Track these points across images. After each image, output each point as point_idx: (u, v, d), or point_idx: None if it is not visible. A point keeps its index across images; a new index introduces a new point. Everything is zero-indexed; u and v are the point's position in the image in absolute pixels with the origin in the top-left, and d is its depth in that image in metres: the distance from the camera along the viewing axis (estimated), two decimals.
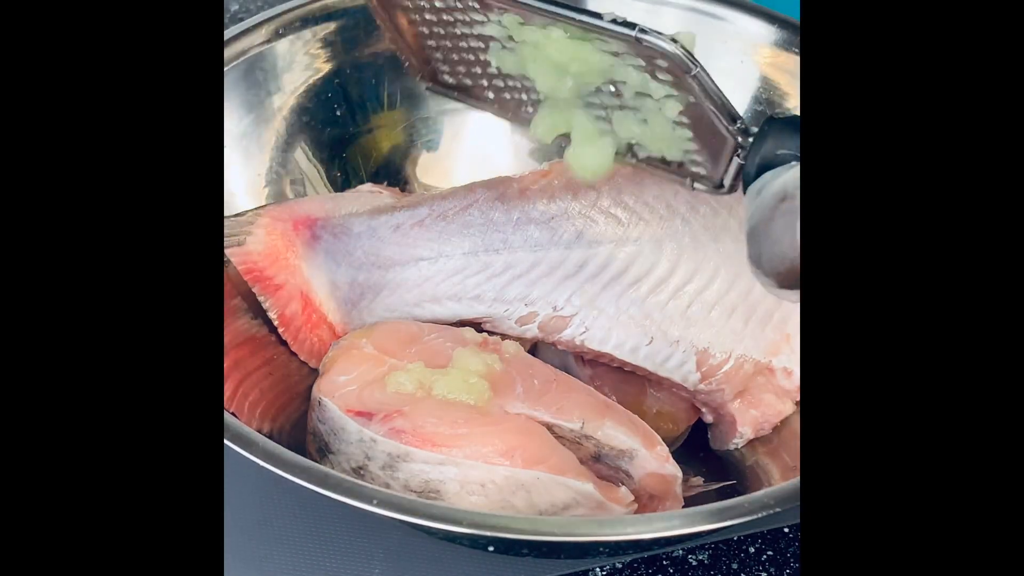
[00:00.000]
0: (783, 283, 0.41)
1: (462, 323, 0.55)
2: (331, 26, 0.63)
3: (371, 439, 0.46)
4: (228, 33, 0.59)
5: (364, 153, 0.65)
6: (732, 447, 0.56)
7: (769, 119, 0.44)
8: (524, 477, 0.45)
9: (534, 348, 0.56)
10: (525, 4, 0.45)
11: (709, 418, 0.56)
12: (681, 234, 0.54)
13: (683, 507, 0.50)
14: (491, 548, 0.49)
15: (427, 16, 0.50)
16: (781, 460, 0.54)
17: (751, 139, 0.44)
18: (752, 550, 0.53)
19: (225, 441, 0.42)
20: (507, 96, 0.52)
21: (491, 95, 0.52)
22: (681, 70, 0.43)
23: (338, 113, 0.64)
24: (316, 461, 0.47)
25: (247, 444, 0.42)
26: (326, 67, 0.63)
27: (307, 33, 0.62)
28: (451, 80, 0.53)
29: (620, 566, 0.52)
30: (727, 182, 0.46)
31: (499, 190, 0.56)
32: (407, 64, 0.53)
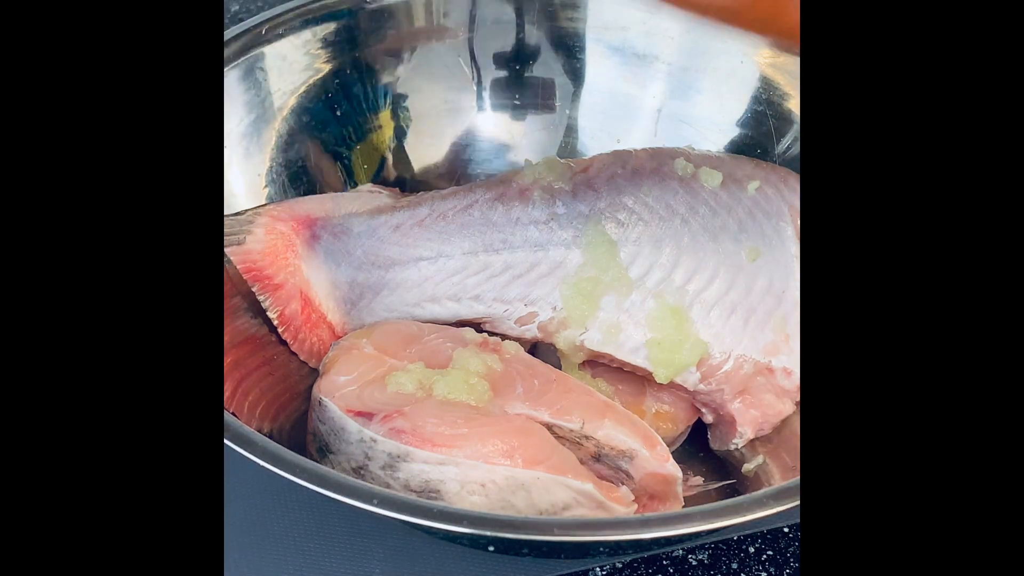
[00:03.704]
0: None
1: (462, 323, 0.55)
2: (331, 26, 0.63)
3: (371, 439, 0.46)
4: (228, 33, 0.59)
5: (364, 153, 0.65)
6: (732, 447, 0.55)
7: None
8: (524, 477, 0.45)
9: (534, 348, 0.56)
10: None
11: (709, 418, 0.56)
12: (680, 234, 0.54)
13: (683, 507, 0.50)
14: (491, 548, 0.49)
15: None
16: (781, 460, 0.54)
17: None
18: (752, 550, 0.53)
19: (225, 441, 0.42)
20: None
21: None
22: None
23: (338, 113, 0.64)
24: (316, 461, 0.47)
25: (247, 444, 0.42)
26: (326, 67, 0.63)
27: (307, 33, 0.62)
28: None
29: (620, 566, 0.52)
30: None
31: (499, 190, 0.56)
32: None
